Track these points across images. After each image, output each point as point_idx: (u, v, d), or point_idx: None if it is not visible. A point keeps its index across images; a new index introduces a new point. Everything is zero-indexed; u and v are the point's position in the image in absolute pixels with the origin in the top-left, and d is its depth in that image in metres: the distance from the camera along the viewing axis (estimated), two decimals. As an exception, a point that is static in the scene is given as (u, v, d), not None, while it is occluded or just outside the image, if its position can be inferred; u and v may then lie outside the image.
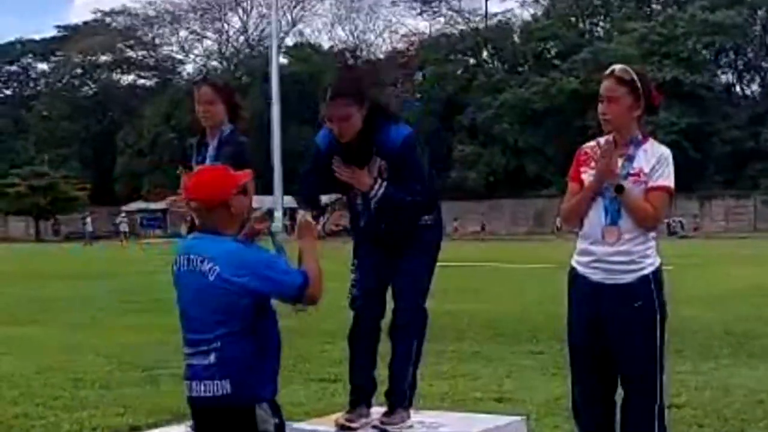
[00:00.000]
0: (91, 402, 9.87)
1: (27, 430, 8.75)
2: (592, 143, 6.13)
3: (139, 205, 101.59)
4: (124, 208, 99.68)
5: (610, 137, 5.99)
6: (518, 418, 7.25)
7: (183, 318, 5.16)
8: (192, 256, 5.09)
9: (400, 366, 6.55)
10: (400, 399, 6.54)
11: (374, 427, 6.45)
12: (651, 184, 5.86)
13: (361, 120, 6.32)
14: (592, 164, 5.97)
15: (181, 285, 5.14)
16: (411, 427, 6.50)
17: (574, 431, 6.35)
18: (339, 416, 6.65)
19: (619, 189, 5.80)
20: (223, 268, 4.98)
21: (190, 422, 7.27)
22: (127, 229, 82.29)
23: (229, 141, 7.12)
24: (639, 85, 5.88)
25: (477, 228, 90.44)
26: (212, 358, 5.04)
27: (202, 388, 5.06)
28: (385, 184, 6.39)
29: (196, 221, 5.31)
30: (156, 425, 8.36)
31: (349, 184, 6.49)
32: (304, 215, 5.67)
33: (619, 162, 5.90)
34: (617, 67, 6.01)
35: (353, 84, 6.55)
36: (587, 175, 5.97)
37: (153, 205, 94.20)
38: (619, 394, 6.08)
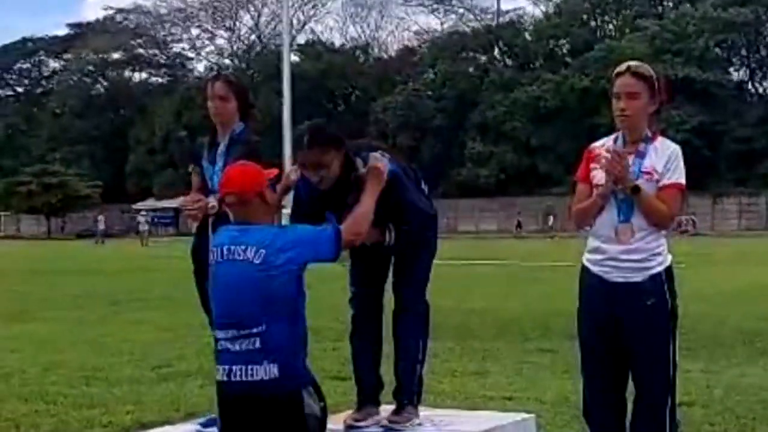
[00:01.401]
0: (101, 399, 9.87)
1: (36, 428, 8.75)
2: (601, 142, 6.11)
3: (151, 203, 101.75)
4: (135, 206, 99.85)
5: (618, 141, 5.97)
6: (528, 416, 7.23)
7: (221, 306, 5.24)
8: (233, 247, 5.21)
9: (407, 364, 6.52)
10: (409, 397, 6.51)
11: (383, 426, 6.42)
12: (663, 182, 5.84)
13: (339, 167, 6.07)
14: (603, 161, 5.96)
15: (219, 275, 5.25)
16: (420, 425, 6.48)
17: (585, 430, 6.33)
18: (347, 415, 6.64)
19: (636, 190, 5.78)
20: (269, 251, 5.13)
21: (200, 420, 7.30)
22: (147, 228, 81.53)
23: (240, 139, 7.09)
24: (656, 82, 5.89)
25: (491, 227, 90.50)
26: (257, 342, 5.11)
27: (248, 372, 5.11)
28: (393, 230, 6.29)
29: (231, 216, 5.40)
30: (166, 423, 8.34)
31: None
32: (378, 157, 5.77)
33: (630, 160, 5.88)
34: (632, 63, 6.01)
35: (328, 132, 6.28)
36: (597, 171, 5.96)
37: (164, 204, 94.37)
38: (630, 392, 6.06)
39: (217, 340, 5.22)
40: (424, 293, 6.56)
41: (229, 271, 5.19)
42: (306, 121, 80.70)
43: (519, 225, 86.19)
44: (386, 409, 6.65)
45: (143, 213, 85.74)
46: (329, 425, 6.58)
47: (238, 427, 5.21)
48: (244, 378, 5.11)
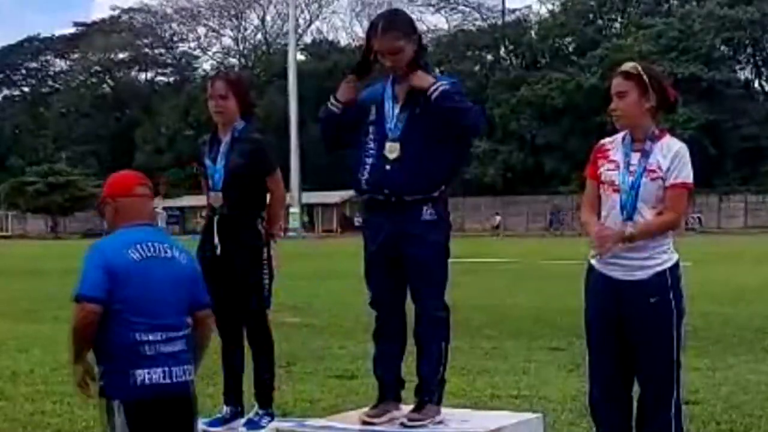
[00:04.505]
0: (108, 398, 9.85)
1: (43, 428, 8.75)
2: (610, 139, 6.14)
3: (157, 202, 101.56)
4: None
5: (626, 140, 5.99)
6: (536, 415, 7.21)
7: (150, 305, 5.05)
8: (156, 244, 5.15)
9: (430, 367, 6.49)
10: (430, 396, 6.48)
11: (402, 423, 6.39)
12: (670, 182, 5.87)
13: (411, 53, 6.33)
14: (611, 156, 6.03)
15: (146, 272, 5.07)
16: (441, 422, 6.45)
17: (592, 428, 6.33)
18: (363, 412, 6.61)
19: (630, 239, 5.83)
20: (187, 254, 5.22)
21: (205, 419, 7.29)
22: (165, 226, 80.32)
23: (242, 137, 7.12)
24: (646, 78, 5.91)
25: (496, 224, 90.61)
26: (183, 343, 5.11)
27: (183, 374, 5.11)
28: (445, 84, 6.32)
29: (106, 216, 5.40)
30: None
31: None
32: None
33: (636, 158, 5.91)
34: (625, 64, 6.06)
35: (402, 18, 6.51)
36: (605, 169, 5.99)
37: (170, 203, 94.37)
38: (636, 390, 6.07)
39: (141, 342, 5.02)
40: (443, 298, 6.51)
41: (158, 268, 5.10)
42: (312, 121, 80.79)
43: (559, 222, 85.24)
44: (409, 407, 6.60)
45: (160, 211, 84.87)
46: (337, 424, 6.60)
47: (167, 429, 5.14)
48: (182, 378, 5.09)
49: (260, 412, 7.13)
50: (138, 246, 5.09)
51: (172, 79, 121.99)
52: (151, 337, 5.02)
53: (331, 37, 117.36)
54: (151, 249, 5.11)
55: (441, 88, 6.24)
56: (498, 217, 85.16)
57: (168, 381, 5.04)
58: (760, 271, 28.22)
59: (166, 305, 5.08)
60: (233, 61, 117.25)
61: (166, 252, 5.15)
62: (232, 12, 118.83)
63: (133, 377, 4.99)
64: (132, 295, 5.02)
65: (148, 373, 5.00)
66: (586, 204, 6.14)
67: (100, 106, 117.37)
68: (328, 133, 6.67)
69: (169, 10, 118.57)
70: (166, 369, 5.04)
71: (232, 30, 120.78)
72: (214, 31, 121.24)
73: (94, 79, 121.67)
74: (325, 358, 12.17)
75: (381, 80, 6.56)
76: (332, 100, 6.60)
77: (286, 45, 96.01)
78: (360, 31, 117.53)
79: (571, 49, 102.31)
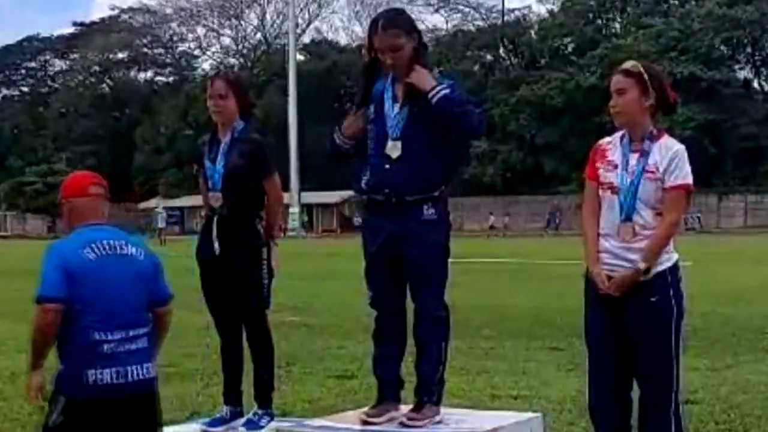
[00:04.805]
0: (107, 399, 9.84)
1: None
2: (608, 138, 6.14)
3: (157, 202, 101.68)
4: (146, 204, 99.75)
5: (624, 139, 5.98)
6: (535, 415, 7.20)
7: (106, 304, 5.08)
8: (112, 242, 5.18)
9: (429, 367, 6.49)
10: (429, 396, 6.48)
11: (401, 423, 6.39)
12: (668, 183, 5.86)
13: (411, 51, 6.35)
14: (609, 157, 6.02)
15: (102, 270, 5.11)
16: (440, 422, 6.44)
17: (591, 428, 6.32)
18: (362, 411, 6.61)
19: (647, 272, 5.83)
20: (146, 250, 5.27)
21: (205, 419, 7.30)
22: (164, 225, 79.33)
23: (242, 138, 7.10)
24: (646, 77, 5.91)
25: (497, 225, 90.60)
26: (143, 341, 5.15)
27: (144, 371, 5.13)
28: (445, 87, 6.31)
29: (63, 217, 5.46)
30: (171, 422, 8.31)
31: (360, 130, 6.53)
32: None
33: (634, 158, 5.90)
34: (626, 62, 6.07)
35: (402, 16, 6.54)
36: (603, 169, 5.98)
37: (170, 203, 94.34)
38: (636, 390, 6.06)
39: (99, 342, 5.05)
40: (443, 297, 6.52)
41: (117, 266, 5.15)
42: (311, 121, 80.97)
43: (556, 222, 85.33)
44: (408, 407, 6.60)
45: (159, 210, 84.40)
46: (336, 423, 6.59)
47: (124, 427, 5.14)
48: (140, 377, 5.11)
49: (260, 412, 7.11)
50: (93, 245, 5.14)
51: (171, 79, 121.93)
52: (109, 336, 5.05)
53: (330, 37, 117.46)
54: (107, 247, 5.15)
55: (442, 93, 6.24)
56: (492, 217, 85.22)
57: (122, 381, 5.07)
58: (760, 271, 28.22)
59: (123, 303, 5.11)
60: (233, 61, 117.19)
61: (122, 249, 5.19)
62: (232, 12, 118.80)
63: (85, 376, 5.04)
64: (89, 295, 5.06)
65: (101, 373, 5.03)
66: (587, 206, 6.11)
67: (100, 106, 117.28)
68: (337, 157, 6.72)
69: (168, 10, 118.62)
70: (121, 369, 5.07)
71: (231, 30, 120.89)
72: (213, 31, 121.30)
73: (93, 79, 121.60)
74: (324, 358, 12.17)
75: (381, 80, 6.55)
76: (339, 135, 6.59)
77: (285, 45, 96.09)
78: (360, 31, 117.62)
79: (570, 48, 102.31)
